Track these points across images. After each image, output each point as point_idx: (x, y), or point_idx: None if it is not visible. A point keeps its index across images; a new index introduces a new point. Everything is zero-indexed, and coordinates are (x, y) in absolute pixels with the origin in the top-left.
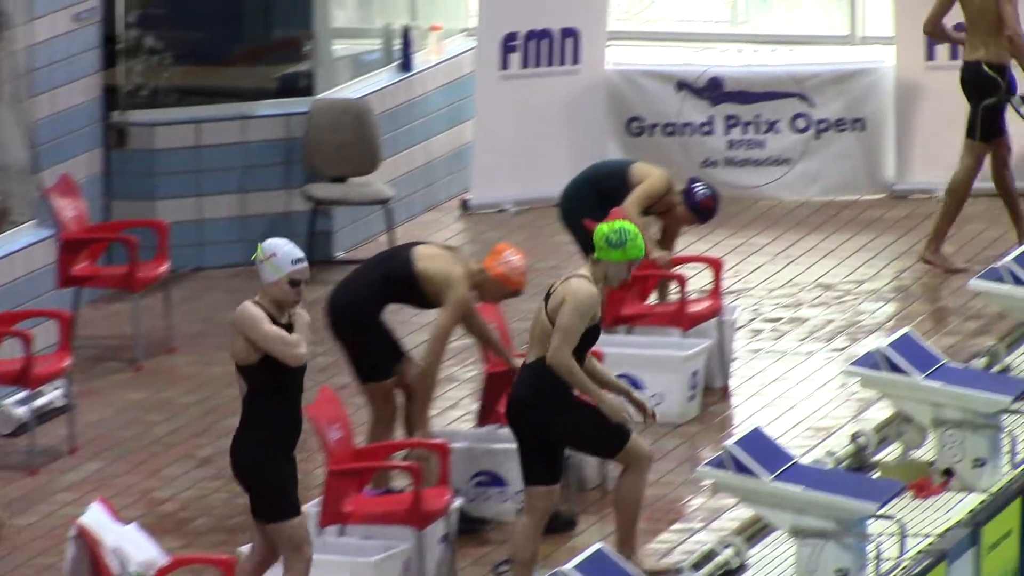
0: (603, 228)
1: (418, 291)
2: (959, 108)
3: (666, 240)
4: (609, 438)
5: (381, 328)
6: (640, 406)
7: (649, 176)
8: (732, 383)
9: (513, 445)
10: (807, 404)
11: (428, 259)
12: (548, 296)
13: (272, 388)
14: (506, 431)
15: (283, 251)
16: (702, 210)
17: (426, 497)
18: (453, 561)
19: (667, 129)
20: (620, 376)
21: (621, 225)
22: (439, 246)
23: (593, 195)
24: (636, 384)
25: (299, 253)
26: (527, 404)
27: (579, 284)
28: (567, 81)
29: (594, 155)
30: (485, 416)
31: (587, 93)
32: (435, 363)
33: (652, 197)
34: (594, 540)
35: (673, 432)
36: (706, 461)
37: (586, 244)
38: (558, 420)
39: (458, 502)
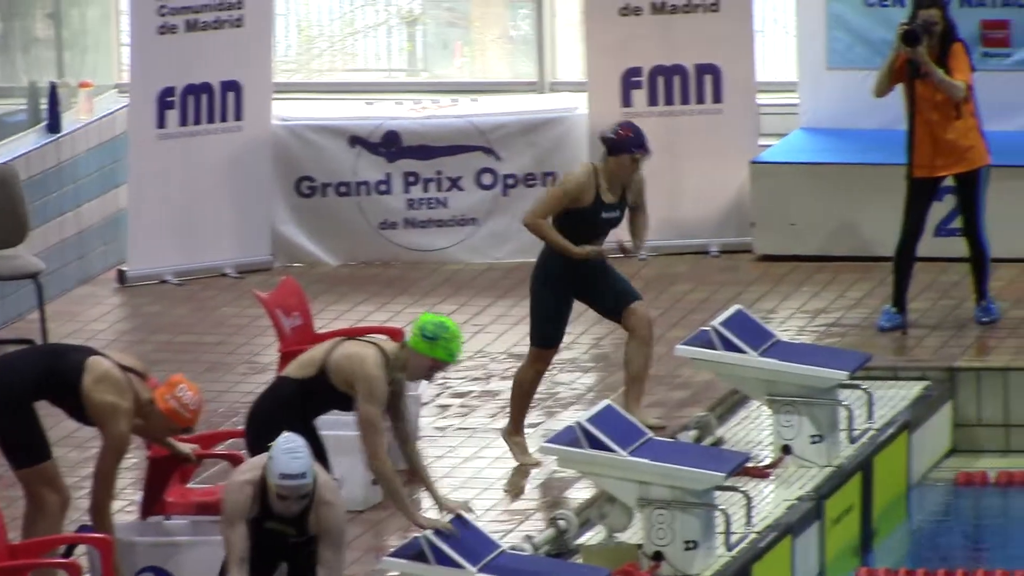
0: (427, 317)
1: (78, 405)
2: None
3: (636, 226)
4: None
5: (34, 414)
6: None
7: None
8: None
9: (182, 538)
10: (502, 485)
11: (98, 381)
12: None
13: None
14: (173, 523)
15: (279, 460)
16: (623, 144)
17: None
18: None
19: (340, 189)
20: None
21: (444, 322)
22: (114, 364)
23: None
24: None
25: (292, 468)
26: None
27: (369, 360)
28: (230, 139)
29: (261, 219)
30: (149, 506)
31: (252, 151)
32: (106, 501)
33: (566, 195)
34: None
35: (355, 519)
36: (392, 551)
37: None
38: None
39: None
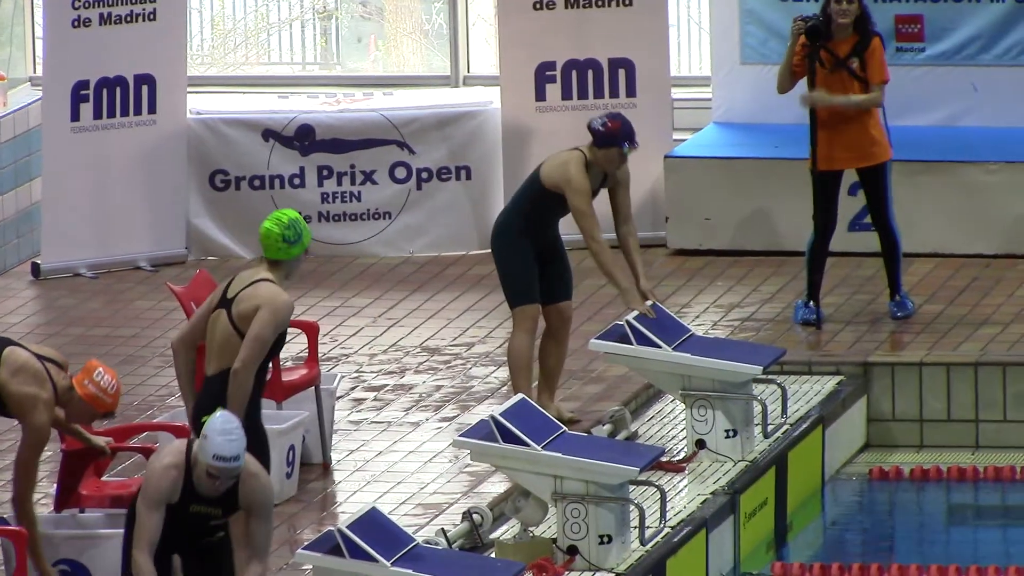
0: (273, 228)
1: None
2: None
3: (620, 212)
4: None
5: None
6: None
7: (563, 168)
8: (334, 457)
9: (97, 531)
10: (416, 479)
11: (15, 372)
12: (226, 300)
13: None
14: (88, 516)
15: (213, 441)
16: (612, 136)
17: None
18: None
19: (255, 182)
20: None
21: (289, 217)
22: (31, 354)
23: (526, 225)
24: None
25: (227, 451)
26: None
27: (272, 291)
28: (144, 132)
29: (176, 213)
30: (64, 499)
31: (166, 145)
32: (27, 493)
33: (589, 190)
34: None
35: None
36: (306, 544)
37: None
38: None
39: None
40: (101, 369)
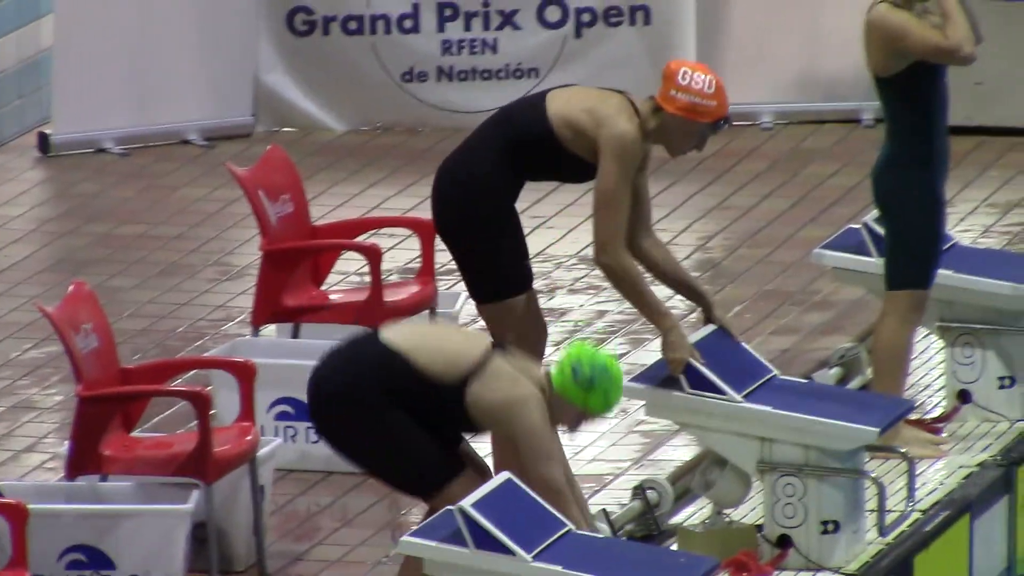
0: (577, 351)
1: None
2: None
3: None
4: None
5: None
6: None
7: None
8: None
9: (123, 507)
10: (569, 440)
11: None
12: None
13: None
14: (112, 485)
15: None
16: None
17: None
18: None
19: (349, 25)
20: (281, 402)
21: (604, 359)
22: None
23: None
24: (305, 412)
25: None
26: None
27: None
28: None
29: (239, 66)
30: (80, 462)
31: None
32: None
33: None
34: None
35: (361, 486)
36: (415, 529)
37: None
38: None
39: None
40: (686, 68)
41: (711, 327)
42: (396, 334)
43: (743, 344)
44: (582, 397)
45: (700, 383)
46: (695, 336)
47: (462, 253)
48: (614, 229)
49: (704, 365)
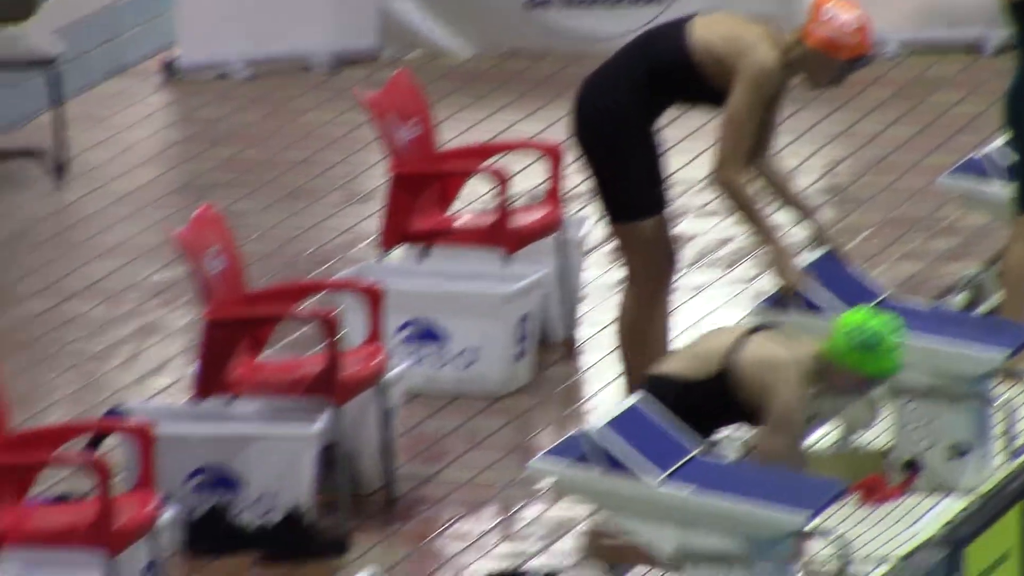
0: (856, 317)
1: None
2: None
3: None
4: None
5: None
6: None
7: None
8: (581, 334)
9: (252, 427)
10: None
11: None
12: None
13: None
14: (238, 408)
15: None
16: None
17: (120, 506)
18: None
19: None
20: (409, 324)
21: (886, 320)
22: None
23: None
24: (433, 335)
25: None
26: None
27: (783, 366)
28: None
29: None
30: (209, 383)
31: None
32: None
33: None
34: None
35: (493, 407)
36: (547, 450)
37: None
38: None
39: (170, 513)
40: (831, 4)
41: (820, 251)
42: None
43: (850, 268)
44: (862, 362)
45: (808, 307)
46: (805, 260)
47: (596, 171)
48: (735, 152)
49: (813, 288)
